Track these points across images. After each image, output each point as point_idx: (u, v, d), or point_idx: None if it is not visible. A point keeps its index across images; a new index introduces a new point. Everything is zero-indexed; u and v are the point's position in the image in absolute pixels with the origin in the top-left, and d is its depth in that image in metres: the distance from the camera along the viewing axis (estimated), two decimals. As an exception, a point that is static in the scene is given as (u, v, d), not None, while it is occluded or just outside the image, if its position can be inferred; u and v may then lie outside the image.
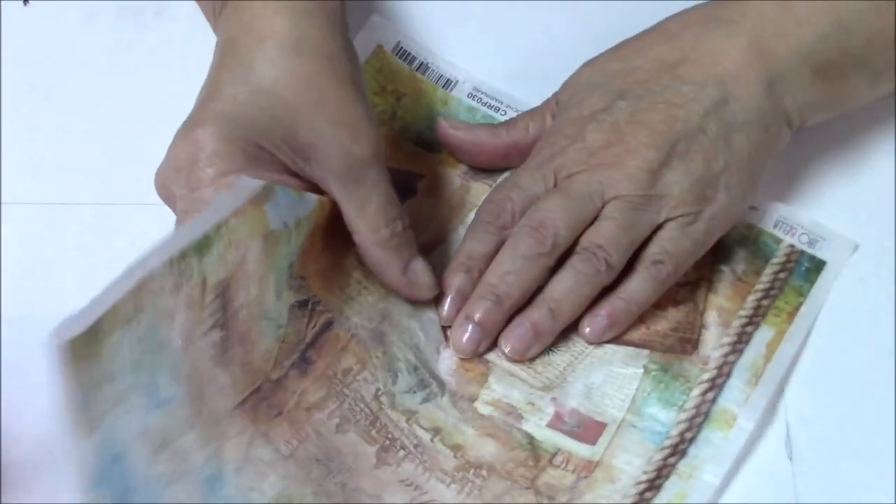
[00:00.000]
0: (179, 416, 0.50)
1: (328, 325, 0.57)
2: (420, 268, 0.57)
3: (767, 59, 0.59)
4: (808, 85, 0.59)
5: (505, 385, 0.57)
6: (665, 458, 0.55)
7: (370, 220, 0.55)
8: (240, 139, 0.53)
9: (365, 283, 0.58)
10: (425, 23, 0.69)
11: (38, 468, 0.55)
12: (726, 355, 0.58)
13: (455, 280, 0.58)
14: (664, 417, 0.56)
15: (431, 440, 0.56)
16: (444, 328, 0.59)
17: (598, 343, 0.58)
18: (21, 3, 0.69)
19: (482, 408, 0.57)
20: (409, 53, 0.67)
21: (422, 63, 0.67)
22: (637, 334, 0.59)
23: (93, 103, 0.66)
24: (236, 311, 0.52)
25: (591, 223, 0.58)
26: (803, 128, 0.61)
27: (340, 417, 0.55)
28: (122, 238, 0.61)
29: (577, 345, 0.58)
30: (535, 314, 0.57)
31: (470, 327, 0.57)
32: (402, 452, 0.55)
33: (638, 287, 0.58)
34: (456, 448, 0.56)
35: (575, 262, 0.57)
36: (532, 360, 0.58)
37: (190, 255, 0.49)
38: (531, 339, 0.57)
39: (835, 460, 0.56)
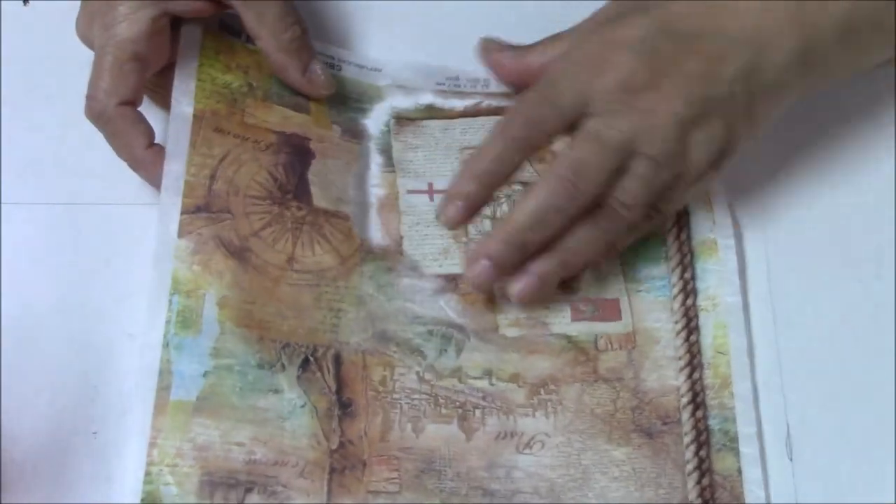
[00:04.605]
0: None
1: (338, 361, 0.56)
2: (319, 67, 0.63)
3: (807, 26, 0.57)
4: (837, 53, 0.58)
5: (516, 304, 0.58)
6: (683, 302, 0.58)
7: (270, 27, 0.61)
8: None
9: (338, 306, 0.58)
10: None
11: (37, 468, 0.55)
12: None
13: (468, 188, 0.58)
14: (658, 272, 0.59)
15: (491, 384, 0.57)
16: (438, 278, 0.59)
17: None
18: (21, 3, 0.69)
19: (508, 331, 0.58)
20: (232, 26, 0.64)
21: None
22: None
23: (93, 103, 0.66)
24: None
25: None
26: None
27: (410, 419, 0.55)
28: (122, 238, 0.61)
29: None
30: (547, 266, 0.58)
31: (488, 267, 0.57)
32: (477, 412, 0.56)
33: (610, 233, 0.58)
34: (515, 378, 0.57)
35: (600, 218, 0.57)
36: None
37: None
38: (537, 289, 0.58)
39: (835, 460, 0.56)
